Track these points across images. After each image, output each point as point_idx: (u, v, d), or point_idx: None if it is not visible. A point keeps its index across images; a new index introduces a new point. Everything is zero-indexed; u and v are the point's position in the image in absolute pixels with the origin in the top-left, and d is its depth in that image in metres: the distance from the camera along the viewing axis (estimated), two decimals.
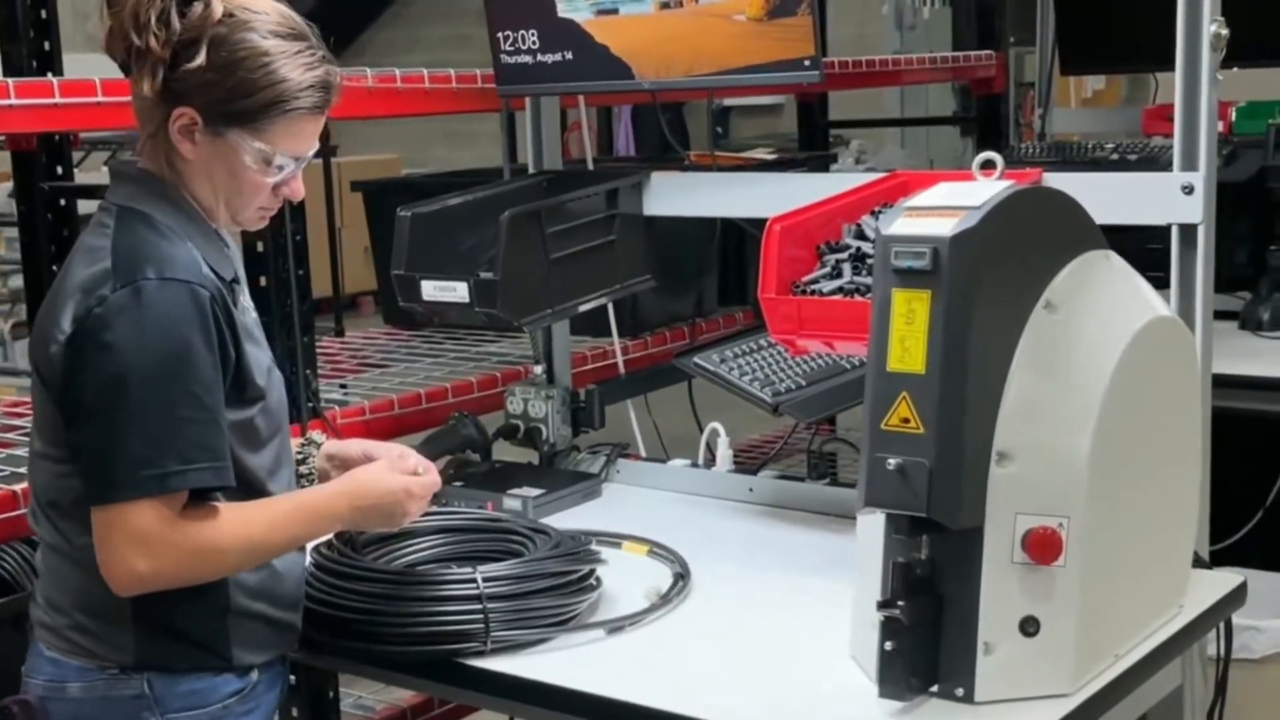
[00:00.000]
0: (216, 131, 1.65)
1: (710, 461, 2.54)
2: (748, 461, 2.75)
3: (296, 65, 1.66)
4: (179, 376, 1.57)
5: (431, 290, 2.30)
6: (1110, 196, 1.94)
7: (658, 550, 2.16)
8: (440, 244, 2.36)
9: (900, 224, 1.60)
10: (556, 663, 1.79)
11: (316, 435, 2.01)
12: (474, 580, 1.80)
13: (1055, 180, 1.99)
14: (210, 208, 1.71)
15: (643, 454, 2.83)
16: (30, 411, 1.74)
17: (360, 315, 8.11)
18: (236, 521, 1.63)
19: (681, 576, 2.04)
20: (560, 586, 1.87)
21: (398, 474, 1.76)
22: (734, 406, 2.44)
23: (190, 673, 1.66)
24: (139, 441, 1.55)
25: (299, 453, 1.95)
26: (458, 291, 2.28)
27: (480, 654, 1.79)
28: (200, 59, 1.62)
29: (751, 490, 2.43)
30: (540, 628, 1.83)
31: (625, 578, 2.03)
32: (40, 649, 1.69)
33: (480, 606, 1.79)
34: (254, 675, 1.72)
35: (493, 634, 1.79)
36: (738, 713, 1.64)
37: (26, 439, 1.92)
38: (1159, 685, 1.86)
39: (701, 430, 2.58)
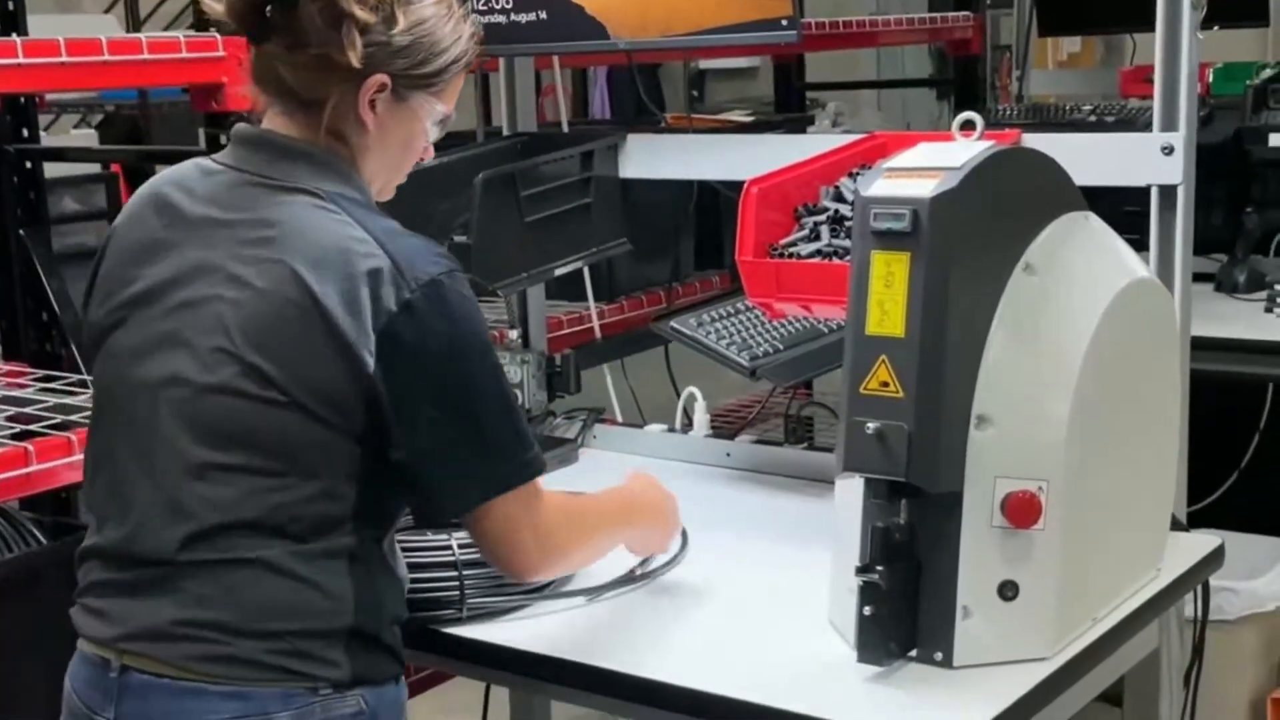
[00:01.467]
0: (402, 98, 1.59)
1: (687, 426, 2.53)
2: (725, 427, 2.74)
3: (463, 19, 1.64)
4: (497, 365, 1.56)
5: None
6: (1090, 157, 1.93)
7: None
8: (413, 208, 2.32)
9: (879, 185, 1.58)
10: (534, 630, 1.78)
11: None
12: (449, 546, 1.79)
13: (1034, 142, 1.98)
14: (370, 183, 1.64)
15: (619, 419, 2.82)
16: None
17: None
18: (578, 512, 1.69)
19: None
20: None
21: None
22: (711, 371, 2.43)
23: (388, 682, 1.58)
24: (510, 430, 1.54)
25: None
26: None
27: (456, 621, 1.78)
28: (401, 23, 1.56)
29: (729, 455, 2.43)
30: (518, 594, 1.82)
31: None
32: (200, 688, 1.48)
33: (455, 573, 1.78)
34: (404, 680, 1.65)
35: (468, 601, 1.78)
36: (717, 679, 1.63)
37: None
38: (1137, 648, 1.86)
39: (678, 395, 2.57)
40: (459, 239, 2.26)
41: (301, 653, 1.50)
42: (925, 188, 1.54)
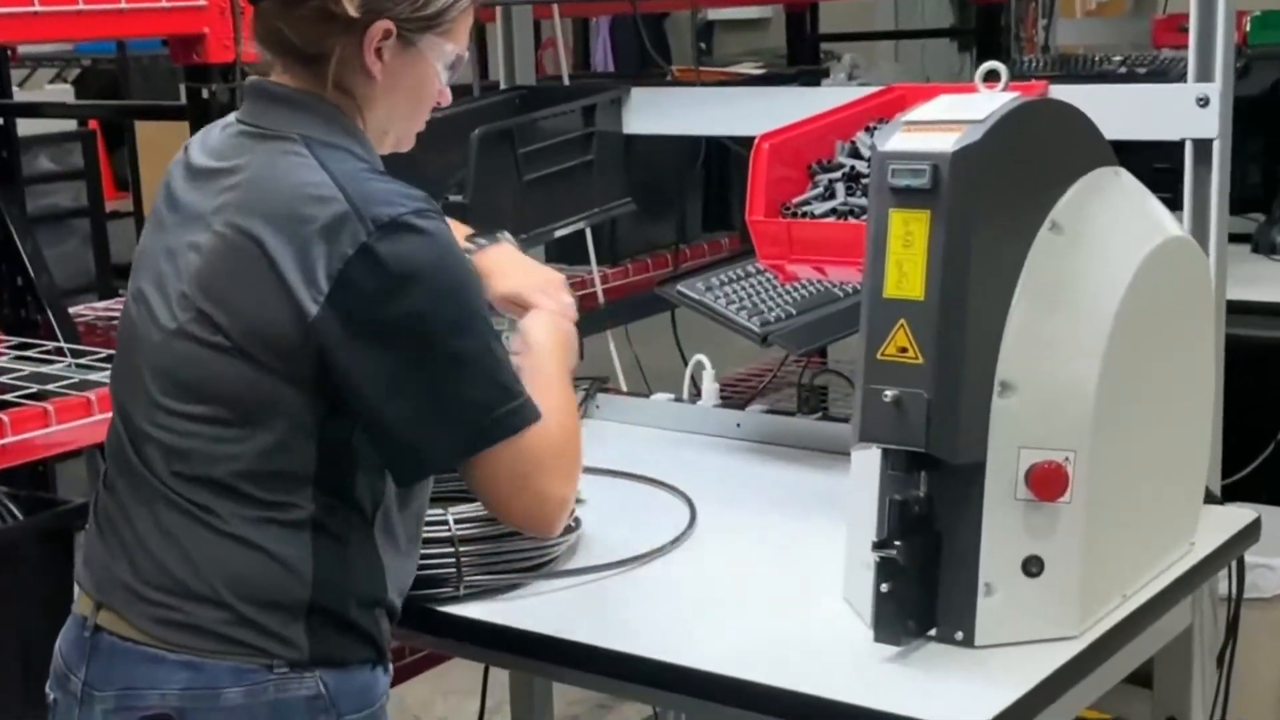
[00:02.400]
0: (409, 42, 1.58)
1: (695, 396, 2.53)
2: (735, 396, 2.73)
3: None
4: (472, 311, 1.52)
5: None
6: (1120, 110, 1.92)
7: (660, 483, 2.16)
8: (404, 165, 2.33)
9: (898, 139, 1.57)
10: (534, 609, 1.78)
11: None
12: (445, 522, 1.79)
13: (1061, 93, 1.97)
14: (378, 135, 1.64)
15: (623, 389, 2.82)
16: None
17: None
18: (552, 412, 1.61)
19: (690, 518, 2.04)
20: None
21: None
22: (721, 338, 2.42)
23: (358, 666, 1.57)
24: (486, 382, 1.52)
25: None
26: None
27: (453, 599, 1.79)
28: None
29: (739, 426, 2.42)
30: (516, 572, 1.82)
31: (607, 518, 2.03)
32: (159, 655, 1.51)
33: (452, 550, 1.78)
34: (390, 669, 1.64)
35: (465, 578, 1.78)
36: (725, 660, 1.63)
37: None
38: (1168, 626, 1.87)
39: (686, 363, 2.57)
40: (454, 198, 2.26)
41: (256, 625, 1.51)
42: (946, 142, 1.54)
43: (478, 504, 1.85)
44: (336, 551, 1.54)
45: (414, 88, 1.63)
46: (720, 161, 3.41)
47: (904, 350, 1.54)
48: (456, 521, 1.80)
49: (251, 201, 1.53)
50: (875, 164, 1.57)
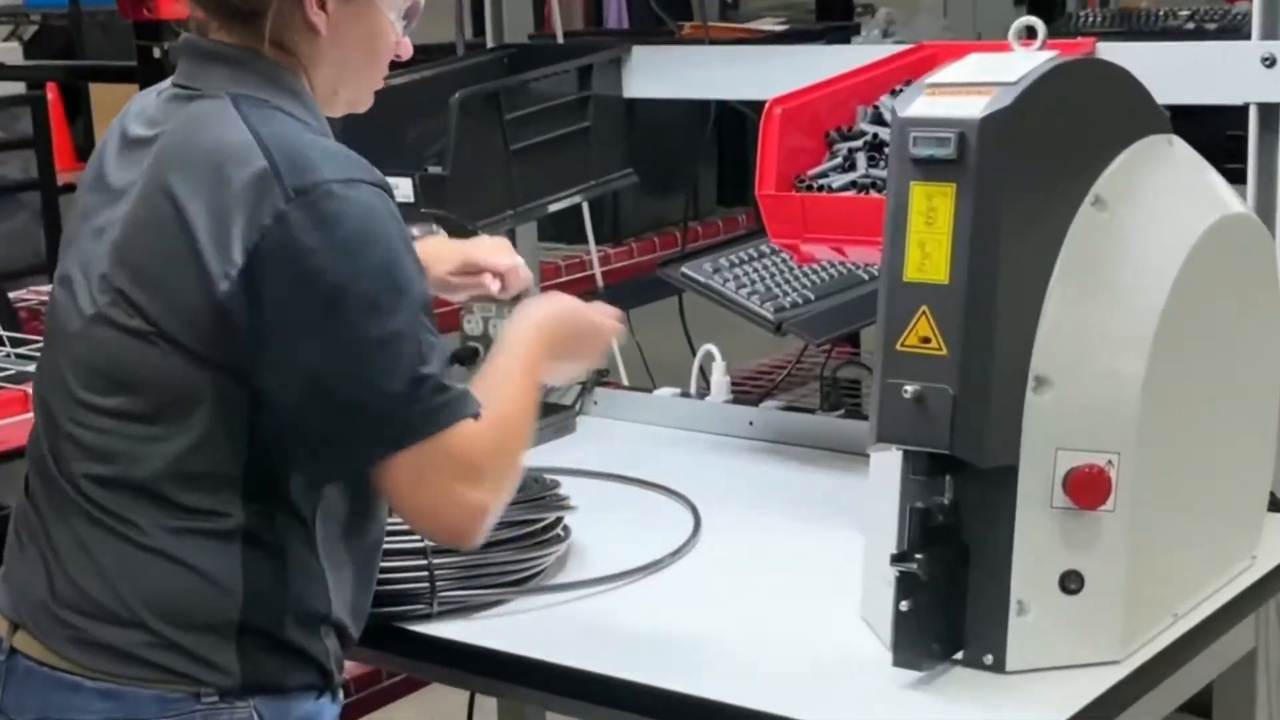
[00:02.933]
0: None
1: (704, 391, 2.53)
2: (752, 391, 2.73)
3: None
4: (399, 292, 1.50)
5: None
6: (1174, 71, 1.92)
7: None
8: (379, 132, 2.30)
9: (920, 104, 1.57)
10: (516, 628, 1.78)
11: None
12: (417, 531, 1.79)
13: (1112, 52, 1.96)
14: (328, 96, 1.63)
15: (625, 382, 2.82)
16: None
17: None
18: (493, 411, 1.57)
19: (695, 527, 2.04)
20: (521, 538, 1.86)
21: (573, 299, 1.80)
22: (735, 326, 2.42)
23: (300, 694, 1.56)
24: (405, 373, 1.48)
25: None
26: (400, 189, 2.24)
27: (426, 618, 1.79)
28: None
29: (752, 424, 2.42)
30: (497, 587, 1.82)
31: (600, 527, 2.03)
32: (77, 681, 1.50)
33: (425, 562, 1.78)
34: (340, 698, 1.63)
35: (440, 594, 1.78)
36: (730, 686, 1.63)
37: None
38: (1228, 649, 1.86)
39: (695, 354, 2.57)
40: (433, 170, 2.26)
41: (181, 648, 1.50)
42: (974, 107, 1.53)
43: None
44: (270, 564, 1.53)
45: (365, 40, 1.62)
46: (737, 130, 3.41)
47: (926, 340, 1.54)
48: None
49: (168, 160, 1.53)
50: (895, 131, 1.56)
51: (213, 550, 1.51)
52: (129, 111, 1.66)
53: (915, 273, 1.54)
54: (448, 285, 1.96)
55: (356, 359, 1.48)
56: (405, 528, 1.79)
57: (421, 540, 1.78)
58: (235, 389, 1.50)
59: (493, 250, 1.94)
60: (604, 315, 1.82)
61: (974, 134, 1.51)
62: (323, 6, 1.58)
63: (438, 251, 1.93)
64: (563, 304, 1.78)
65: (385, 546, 1.78)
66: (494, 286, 1.96)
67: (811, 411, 2.45)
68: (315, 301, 1.47)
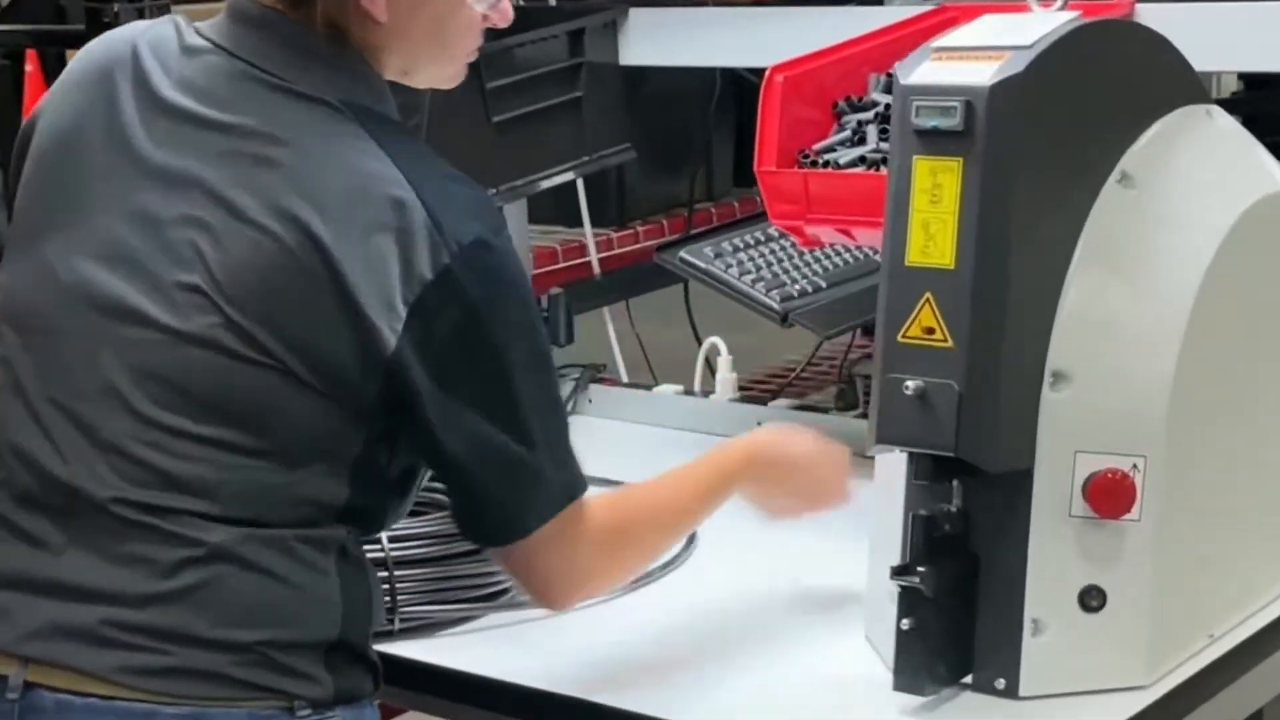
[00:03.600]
0: None
1: (710, 388, 2.52)
2: (759, 388, 2.73)
3: None
4: (546, 353, 1.59)
5: None
6: (1219, 33, 1.90)
7: None
8: None
9: (925, 71, 1.56)
10: (486, 648, 1.78)
11: None
12: (377, 540, 1.78)
13: (1152, 14, 1.95)
14: (405, 71, 1.61)
15: (623, 378, 2.81)
16: None
17: None
18: (641, 500, 1.72)
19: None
20: None
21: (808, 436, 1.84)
22: (749, 319, 2.41)
23: (368, 700, 1.58)
24: (559, 438, 1.57)
25: None
26: None
27: (387, 635, 1.78)
28: None
29: (760, 424, 2.40)
30: (465, 602, 1.83)
31: None
32: (150, 710, 1.48)
33: (385, 575, 1.77)
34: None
35: (402, 610, 1.79)
36: (717, 713, 1.65)
37: None
38: (1275, 675, 1.84)
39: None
40: None
41: (278, 665, 1.50)
42: (983, 73, 1.52)
43: (418, 519, 1.86)
44: (357, 576, 1.56)
45: (433, 23, 1.56)
46: (755, 102, 3.39)
47: (930, 331, 1.53)
48: (391, 540, 1.80)
49: (304, 190, 1.47)
50: (896, 99, 1.56)
51: (311, 566, 1.52)
52: (148, 65, 1.57)
53: (918, 256, 1.53)
54: None
55: (523, 425, 1.52)
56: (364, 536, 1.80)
57: (382, 550, 1.79)
58: (357, 429, 1.50)
59: None
60: (837, 471, 1.85)
61: (982, 103, 1.50)
62: None
63: None
64: (791, 445, 1.84)
65: None
66: None
67: (825, 411, 2.44)
68: (483, 365, 1.51)
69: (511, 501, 1.55)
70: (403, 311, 1.46)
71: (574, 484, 1.58)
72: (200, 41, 1.56)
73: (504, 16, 1.61)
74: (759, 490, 1.83)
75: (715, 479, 1.78)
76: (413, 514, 1.90)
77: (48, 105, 1.63)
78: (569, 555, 1.59)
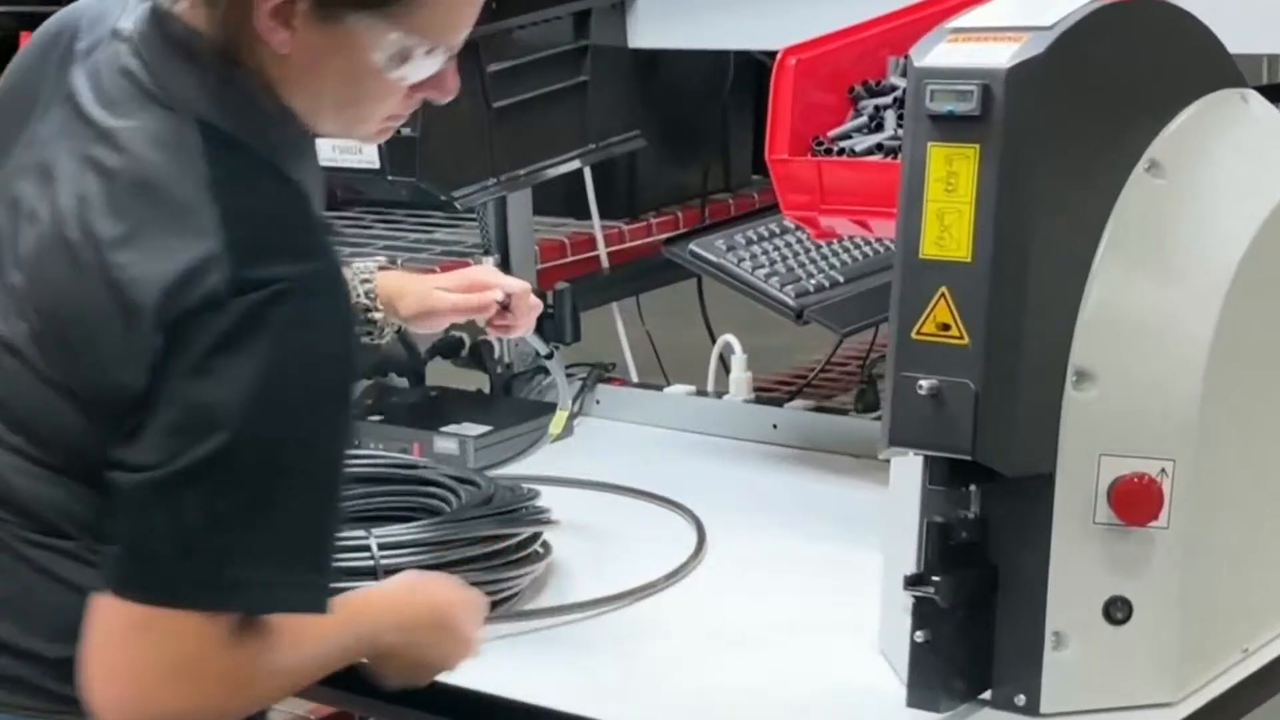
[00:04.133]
0: (328, 17, 1.48)
1: (724, 388, 2.54)
2: (777, 389, 2.74)
3: None
4: (317, 446, 1.47)
5: (330, 152, 2.28)
6: (1253, 13, 1.90)
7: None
8: None
9: (940, 52, 1.57)
10: (481, 662, 1.76)
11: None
12: (366, 547, 1.80)
13: None
14: (310, 112, 1.55)
15: (633, 378, 2.82)
16: None
17: None
18: (291, 642, 1.52)
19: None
20: (490, 556, 1.88)
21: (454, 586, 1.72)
22: (769, 317, 2.41)
23: None
24: (249, 533, 1.45)
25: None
26: (365, 154, 2.27)
27: None
28: None
29: (776, 427, 2.43)
30: None
31: (587, 544, 2.05)
32: None
33: (374, 583, 1.78)
34: None
35: None
36: None
37: None
38: None
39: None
40: (404, 132, 2.27)
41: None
42: (1001, 54, 1.52)
43: (409, 525, 1.88)
44: None
45: (346, 76, 1.53)
46: None
47: (945, 327, 1.53)
48: (381, 547, 1.81)
49: (108, 200, 1.47)
50: (910, 83, 1.56)
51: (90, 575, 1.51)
52: (77, 43, 1.58)
53: (933, 248, 1.54)
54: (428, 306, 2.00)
55: (213, 489, 1.43)
56: (353, 542, 1.82)
57: (371, 559, 1.80)
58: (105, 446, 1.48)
59: (493, 272, 1.97)
60: (473, 629, 1.71)
61: (1000, 86, 1.50)
62: (284, 21, 1.47)
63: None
64: (450, 598, 1.71)
65: None
66: (499, 297, 2.01)
67: (844, 413, 2.45)
68: (215, 411, 1.42)
69: (134, 561, 1.45)
70: (163, 335, 1.42)
71: (240, 593, 1.44)
72: (126, 26, 1.56)
73: (444, 91, 1.59)
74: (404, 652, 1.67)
75: (362, 647, 1.63)
76: (402, 520, 1.93)
77: (9, 66, 1.67)
78: (168, 666, 1.45)
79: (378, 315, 1.99)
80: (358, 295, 1.96)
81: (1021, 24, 1.55)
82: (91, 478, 1.48)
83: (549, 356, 2.19)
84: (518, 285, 2.06)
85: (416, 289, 2.01)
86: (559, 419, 2.20)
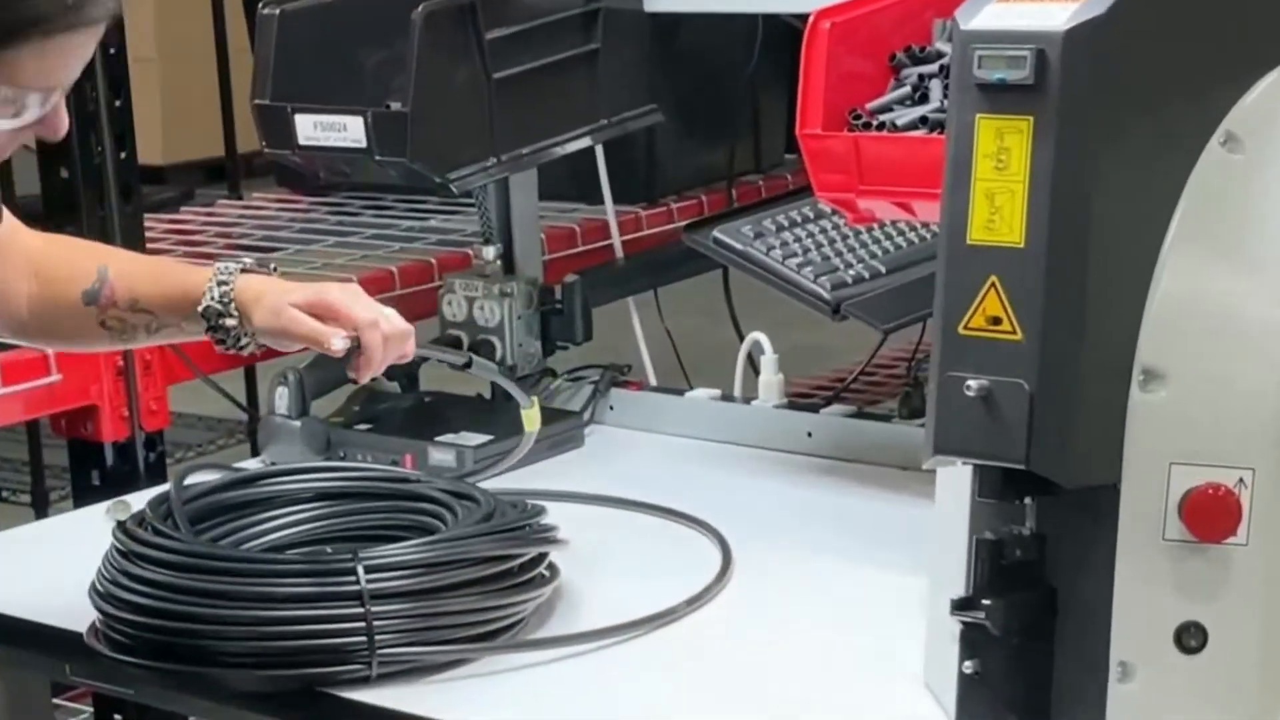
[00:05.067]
0: None
1: (752, 393, 2.54)
2: (813, 394, 2.74)
3: None
4: None
5: (311, 130, 2.30)
6: None
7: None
8: (325, 58, 2.35)
9: (990, 14, 1.56)
10: (481, 696, 1.80)
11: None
12: (352, 570, 1.80)
13: None
14: None
15: (650, 380, 2.83)
16: None
17: (261, 179, 8.16)
18: None
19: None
20: (491, 579, 1.88)
21: None
22: (802, 313, 2.41)
23: None
24: None
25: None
26: (349, 131, 2.27)
27: (363, 681, 1.80)
28: None
29: (811, 435, 2.44)
30: (456, 642, 1.84)
31: (601, 566, 2.05)
32: None
33: (361, 610, 1.79)
34: None
35: (380, 653, 1.80)
36: None
37: None
38: None
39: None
40: (391, 106, 2.28)
41: None
42: (1058, 16, 1.52)
43: (400, 545, 1.88)
44: None
45: None
46: None
47: (996, 321, 1.53)
48: (368, 570, 1.81)
49: None
50: (956, 48, 1.56)
51: None
52: None
53: (982, 233, 1.54)
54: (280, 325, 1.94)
55: None
56: (336, 566, 1.82)
57: (357, 582, 1.80)
58: None
59: (351, 297, 1.90)
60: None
61: (1056, 51, 1.50)
62: None
63: (271, 286, 1.95)
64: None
65: (309, 590, 1.81)
66: (338, 345, 1.89)
67: (888, 419, 2.45)
68: None
69: None
70: None
71: None
72: None
73: (53, 131, 1.66)
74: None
75: None
76: (392, 540, 1.93)
77: None
78: None
79: (231, 322, 1.94)
80: (212, 298, 1.94)
81: None
82: None
83: (466, 366, 2.14)
84: (365, 317, 1.91)
85: (271, 302, 1.93)
86: (529, 416, 2.19)
